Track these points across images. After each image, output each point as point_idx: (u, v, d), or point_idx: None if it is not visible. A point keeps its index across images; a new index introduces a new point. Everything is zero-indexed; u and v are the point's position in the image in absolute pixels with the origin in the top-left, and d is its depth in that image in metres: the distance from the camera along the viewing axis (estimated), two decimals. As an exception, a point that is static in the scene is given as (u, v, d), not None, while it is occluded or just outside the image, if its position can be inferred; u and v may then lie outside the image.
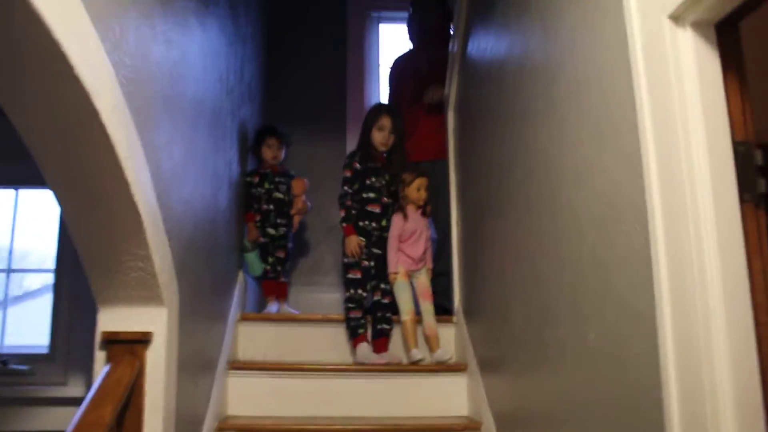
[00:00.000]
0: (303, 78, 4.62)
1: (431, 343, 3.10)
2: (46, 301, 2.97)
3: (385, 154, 3.38)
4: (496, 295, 2.47)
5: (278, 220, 3.58)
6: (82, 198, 1.67)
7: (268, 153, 3.64)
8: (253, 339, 3.17)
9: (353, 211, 3.25)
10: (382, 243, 3.25)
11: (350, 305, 3.16)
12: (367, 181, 3.28)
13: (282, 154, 3.71)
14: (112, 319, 1.93)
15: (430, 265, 3.31)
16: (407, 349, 3.08)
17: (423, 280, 3.24)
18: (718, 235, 1.09)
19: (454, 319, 3.27)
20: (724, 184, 1.11)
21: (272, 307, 3.50)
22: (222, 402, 2.75)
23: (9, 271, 2.99)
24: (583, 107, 1.56)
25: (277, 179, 3.63)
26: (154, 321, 1.93)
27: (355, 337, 3.13)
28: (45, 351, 2.79)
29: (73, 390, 2.56)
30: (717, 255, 1.09)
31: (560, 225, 1.73)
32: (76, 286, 2.76)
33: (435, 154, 3.74)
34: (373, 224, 3.23)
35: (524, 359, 2.13)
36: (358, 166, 3.29)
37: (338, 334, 3.22)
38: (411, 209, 3.26)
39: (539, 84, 1.93)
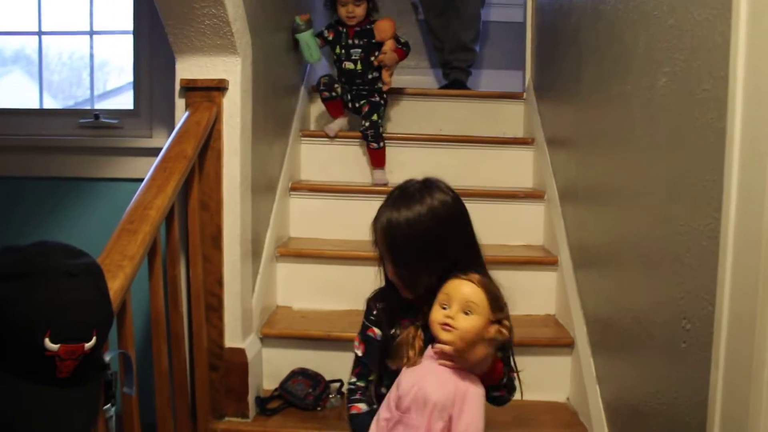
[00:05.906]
0: None
1: None
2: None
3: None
4: (569, 62, 2.42)
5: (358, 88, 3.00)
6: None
7: (342, 11, 2.94)
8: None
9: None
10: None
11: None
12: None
13: (362, 11, 2.93)
14: (189, 68, 2.02)
15: None
16: None
17: None
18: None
19: (524, 95, 3.23)
20: None
21: (334, 126, 3.02)
22: (294, 165, 2.87)
23: (91, 33, 3.07)
24: None
25: (350, 42, 2.95)
26: (229, 69, 2.00)
27: None
28: (131, 107, 2.96)
29: (157, 141, 2.72)
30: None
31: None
32: (154, 47, 2.82)
33: None
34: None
35: (591, 125, 2.13)
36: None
37: (407, 152, 2.99)
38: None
39: None
